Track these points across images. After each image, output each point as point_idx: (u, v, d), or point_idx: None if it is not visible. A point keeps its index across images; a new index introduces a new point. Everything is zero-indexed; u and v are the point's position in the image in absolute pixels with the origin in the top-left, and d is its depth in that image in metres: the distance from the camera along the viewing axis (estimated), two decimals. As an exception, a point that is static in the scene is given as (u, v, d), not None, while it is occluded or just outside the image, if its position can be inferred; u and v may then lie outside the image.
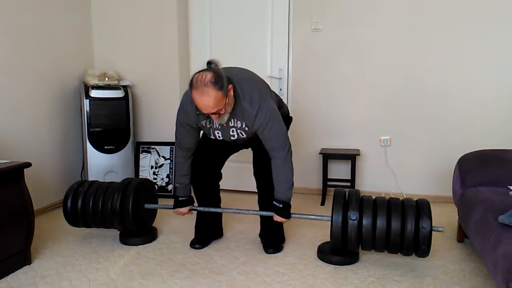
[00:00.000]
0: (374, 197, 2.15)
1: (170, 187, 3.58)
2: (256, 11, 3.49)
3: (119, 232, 2.59)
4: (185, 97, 2.14)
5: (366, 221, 2.02)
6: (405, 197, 3.37)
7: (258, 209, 2.45)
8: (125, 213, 2.42)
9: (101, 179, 3.31)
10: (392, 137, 3.44)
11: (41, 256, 2.34)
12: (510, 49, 3.12)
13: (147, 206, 2.55)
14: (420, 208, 2.03)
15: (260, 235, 2.53)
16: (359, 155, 3.37)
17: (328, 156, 3.36)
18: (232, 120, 2.10)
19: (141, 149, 3.68)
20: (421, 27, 3.26)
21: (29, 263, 2.23)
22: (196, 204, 2.47)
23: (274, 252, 2.39)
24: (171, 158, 3.62)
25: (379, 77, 3.40)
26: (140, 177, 3.58)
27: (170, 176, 3.60)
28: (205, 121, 2.13)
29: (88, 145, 3.31)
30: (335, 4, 3.40)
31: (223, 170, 2.54)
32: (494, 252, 1.65)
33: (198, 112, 1.99)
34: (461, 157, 2.56)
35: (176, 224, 2.86)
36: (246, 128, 2.12)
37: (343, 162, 3.50)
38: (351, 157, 3.31)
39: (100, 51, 3.70)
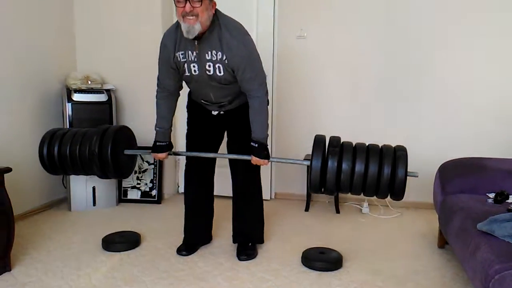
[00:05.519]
0: (354, 143, 2.12)
1: (154, 192, 3.55)
2: (241, 18, 3.44)
3: (101, 238, 2.56)
4: (166, 32, 2.20)
5: (345, 166, 2.00)
6: (389, 204, 3.43)
7: (232, 213, 2.53)
8: (104, 156, 2.29)
9: (83, 184, 3.27)
10: (375, 144, 3.49)
11: (22, 263, 2.30)
12: (493, 59, 3.22)
13: (126, 151, 2.45)
14: (397, 154, 2.02)
15: (234, 237, 2.54)
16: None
17: (312, 162, 3.38)
18: (209, 52, 2.06)
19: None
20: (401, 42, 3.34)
21: (9, 270, 2.18)
22: (174, 149, 2.47)
23: (246, 259, 2.37)
24: (155, 163, 3.59)
25: (363, 84, 3.45)
26: (123, 181, 3.55)
27: (154, 181, 3.57)
28: (181, 52, 2.11)
29: (70, 149, 3.26)
30: (320, 12, 3.44)
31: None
32: (473, 258, 1.69)
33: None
34: (441, 165, 2.61)
35: (159, 229, 2.84)
36: (226, 61, 2.06)
37: (327, 168, 3.53)
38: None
39: (83, 53, 3.64)
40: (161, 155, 2.39)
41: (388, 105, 3.44)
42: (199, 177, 2.50)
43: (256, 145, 2.19)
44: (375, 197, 2.08)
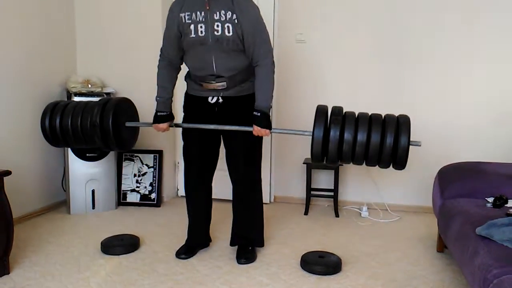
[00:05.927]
0: (357, 113, 2.10)
1: (153, 195, 3.55)
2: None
3: (100, 241, 2.56)
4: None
5: (347, 134, 1.98)
6: (388, 208, 3.44)
7: (233, 216, 2.51)
8: (105, 127, 2.28)
9: (82, 187, 3.27)
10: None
11: (20, 266, 2.29)
12: (491, 59, 3.23)
13: (128, 124, 2.43)
14: (400, 124, 2.01)
15: (232, 240, 2.52)
16: (342, 165, 3.41)
17: (312, 166, 3.39)
18: (218, 12, 2.09)
19: (124, 157, 3.64)
20: (401, 42, 3.35)
21: (8, 273, 2.18)
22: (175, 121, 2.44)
23: (246, 263, 2.37)
24: (154, 166, 3.60)
25: (362, 90, 3.46)
26: (123, 184, 3.55)
27: (153, 184, 3.57)
28: (187, 13, 2.13)
29: (70, 152, 3.26)
30: (319, 16, 3.46)
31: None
32: (471, 263, 1.70)
33: None
34: (440, 168, 2.62)
35: (159, 232, 2.84)
36: (236, 21, 2.08)
37: (327, 172, 3.54)
38: (335, 167, 3.35)
39: (83, 57, 3.65)
40: (162, 126, 2.35)
41: (387, 108, 3.43)
42: (198, 180, 2.49)
43: (259, 114, 2.18)
44: (377, 166, 2.06)
